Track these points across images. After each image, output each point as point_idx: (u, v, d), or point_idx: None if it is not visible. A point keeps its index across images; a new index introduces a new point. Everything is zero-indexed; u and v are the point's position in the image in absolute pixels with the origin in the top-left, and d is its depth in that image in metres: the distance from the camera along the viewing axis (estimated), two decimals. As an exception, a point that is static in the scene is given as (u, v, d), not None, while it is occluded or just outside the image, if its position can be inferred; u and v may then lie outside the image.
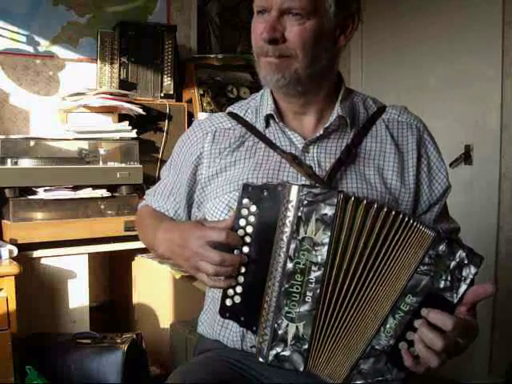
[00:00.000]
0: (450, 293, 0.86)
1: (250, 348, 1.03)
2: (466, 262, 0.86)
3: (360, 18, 1.05)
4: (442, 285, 0.86)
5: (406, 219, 0.87)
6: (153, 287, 2.12)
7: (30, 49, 2.30)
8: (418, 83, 2.66)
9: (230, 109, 1.16)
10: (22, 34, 2.28)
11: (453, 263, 0.86)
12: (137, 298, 2.19)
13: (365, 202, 0.88)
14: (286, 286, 0.90)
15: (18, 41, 2.27)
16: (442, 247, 0.86)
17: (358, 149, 1.07)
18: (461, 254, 0.86)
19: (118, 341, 1.81)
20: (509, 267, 2.34)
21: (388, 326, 0.88)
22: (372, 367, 0.90)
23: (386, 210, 0.88)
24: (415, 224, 0.87)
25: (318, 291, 0.90)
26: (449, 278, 0.86)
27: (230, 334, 1.07)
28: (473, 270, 0.86)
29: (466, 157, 2.46)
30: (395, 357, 0.88)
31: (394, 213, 0.88)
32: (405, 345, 0.88)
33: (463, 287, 0.86)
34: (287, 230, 0.90)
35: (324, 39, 1.00)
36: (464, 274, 0.86)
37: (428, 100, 2.56)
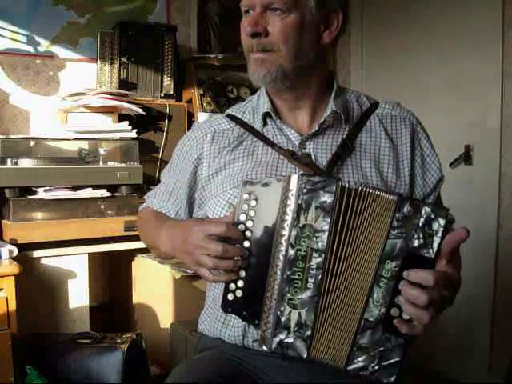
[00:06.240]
0: (426, 249, 0.88)
1: (252, 343, 1.04)
2: (432, 216, 0.87)
3: (346, 16, 1.08)
4: (416, 243, 0.88)
5: (369, 190, 0.89)
6: (153, 287, 2.12)
7: (30, 49, 2.30)
8: (418, 83, 2.66)
9: (228, 111, 1.19)
10: (22, 34, 2.28)
11: (421, 220, 0.88)
12: (137, 297, 2.19)
13: (360, 188, 0.89)
14: (288, 273, 0.91)
15: (18, 41, 2.27)
16: (406, 208, 0.88)
17: (354, 143, 1.09)
18: (426, 209, 0.88)
19: (118, 341, 1.80)
20: (509, 266, 2.34)
21: (375, 295, 0.90)
22: (370, 340, 0.91)
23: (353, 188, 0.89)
24: (376, 192, 0.89)
25: (320, 277, 0.91)
26: (421, 236, 0.88)
27: (232, 330, 1.08)
28: (441, 221, 0.87)
29: (466, 157, 2.46)
30: (390, 324, 0.89)
31: (359, 188, 0.89)
32: (396, 310, 0.89)
33: (437, 240, 0.87)
34: (288, 218, 0.91)
35: (306, 33, 1.04)
36: (434, 227, 0.87)
37: (428, 100, 2.56)
